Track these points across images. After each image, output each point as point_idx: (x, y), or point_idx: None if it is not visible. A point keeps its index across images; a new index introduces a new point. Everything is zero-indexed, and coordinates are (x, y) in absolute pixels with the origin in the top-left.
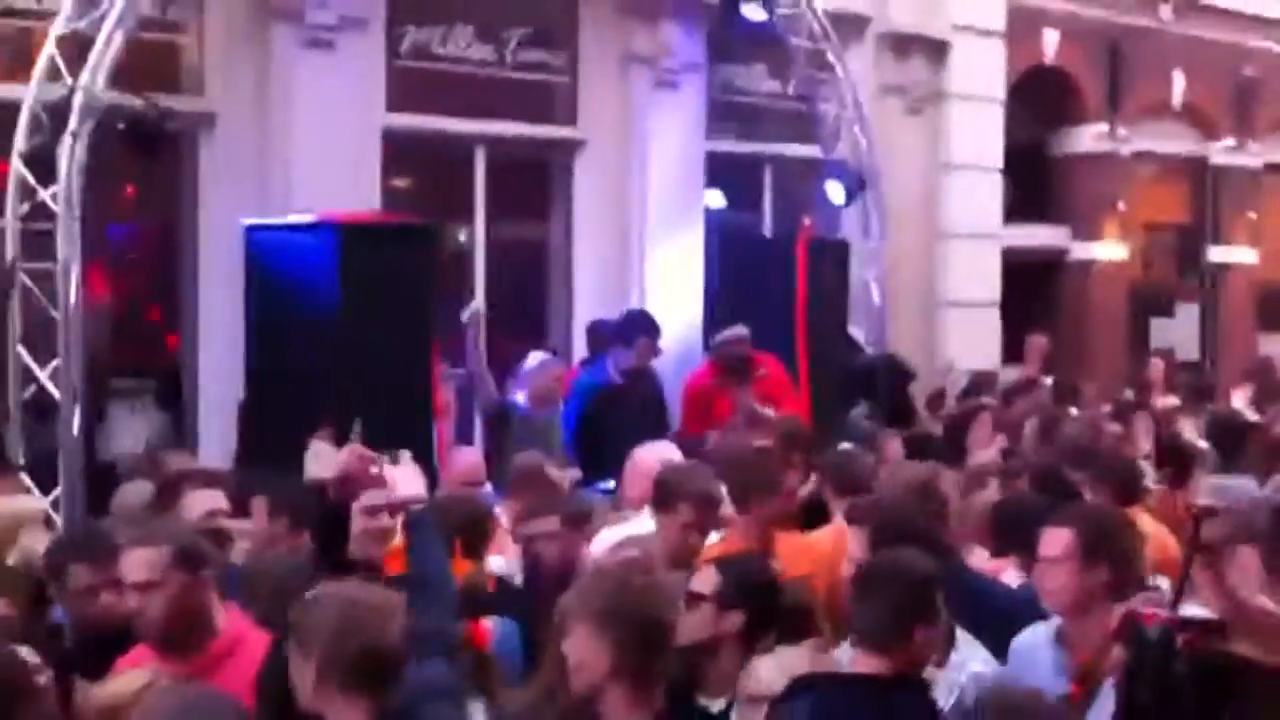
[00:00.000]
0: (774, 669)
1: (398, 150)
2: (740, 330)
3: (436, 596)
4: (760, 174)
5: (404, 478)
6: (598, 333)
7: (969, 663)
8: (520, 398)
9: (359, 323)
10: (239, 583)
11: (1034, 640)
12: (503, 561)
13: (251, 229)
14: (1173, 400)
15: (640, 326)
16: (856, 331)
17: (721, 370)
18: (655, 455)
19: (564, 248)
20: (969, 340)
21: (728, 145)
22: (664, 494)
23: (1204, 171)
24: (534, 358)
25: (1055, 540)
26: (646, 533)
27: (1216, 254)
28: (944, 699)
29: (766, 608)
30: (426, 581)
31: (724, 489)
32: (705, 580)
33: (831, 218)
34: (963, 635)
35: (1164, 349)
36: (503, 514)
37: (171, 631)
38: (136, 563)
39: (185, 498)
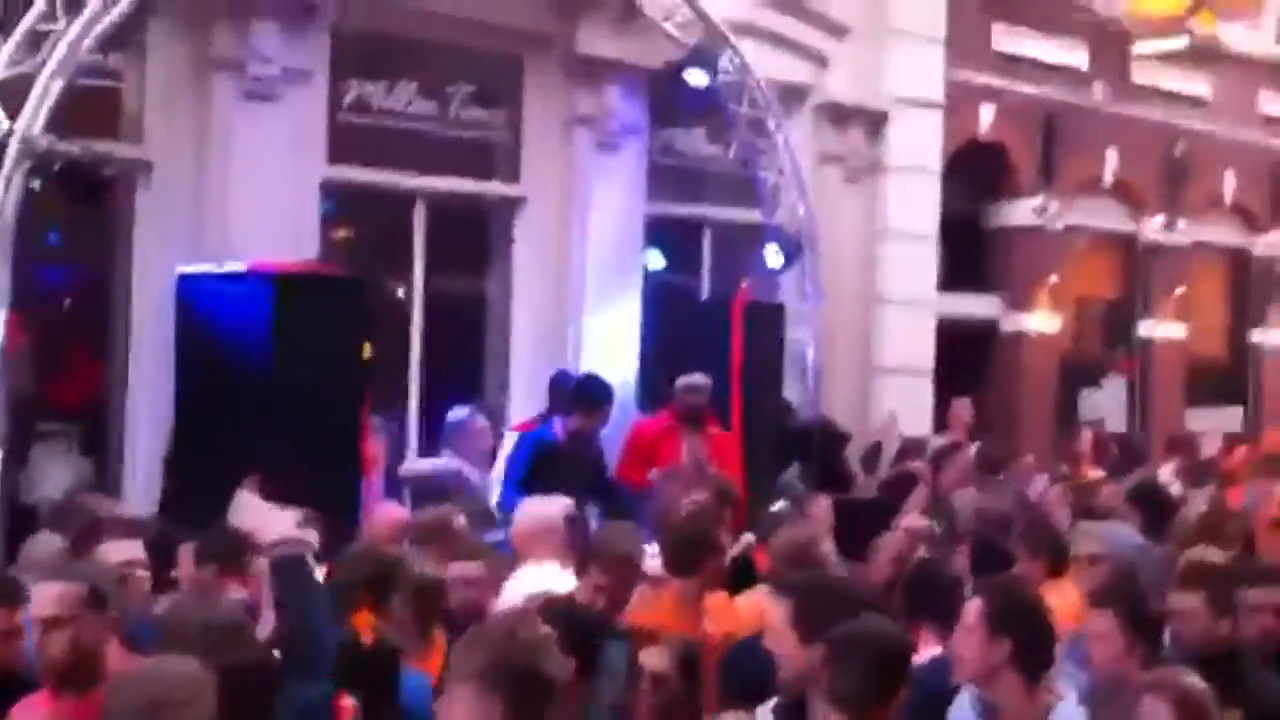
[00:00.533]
0: None
1: (337, 202)
2: (701, 379)
3: (300, 653)
4: (699, 237)
5: (272, 520)
6: (559, 386)
7: None
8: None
9: (290, 373)
10: (163, 631)
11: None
12: None
13: (185, 277)
14: (1098, 473)
15: (596, 396)
16: (791, 395)
17: (679, 416)
18: (544, 508)
19: (502, 304)
20: (902, 406)
21: (667, 208)
22: (582, 556)
23: (1135, 247)
24: (457, 413)
25: (969, 610)
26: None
27: (1146, 328)
28: None
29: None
30: (293, 635)
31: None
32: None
33: (769, 282)
34: None
35: (1093, 420)
36: None
37: (71, 669)
38: (49, 597)
39: (102, 546)
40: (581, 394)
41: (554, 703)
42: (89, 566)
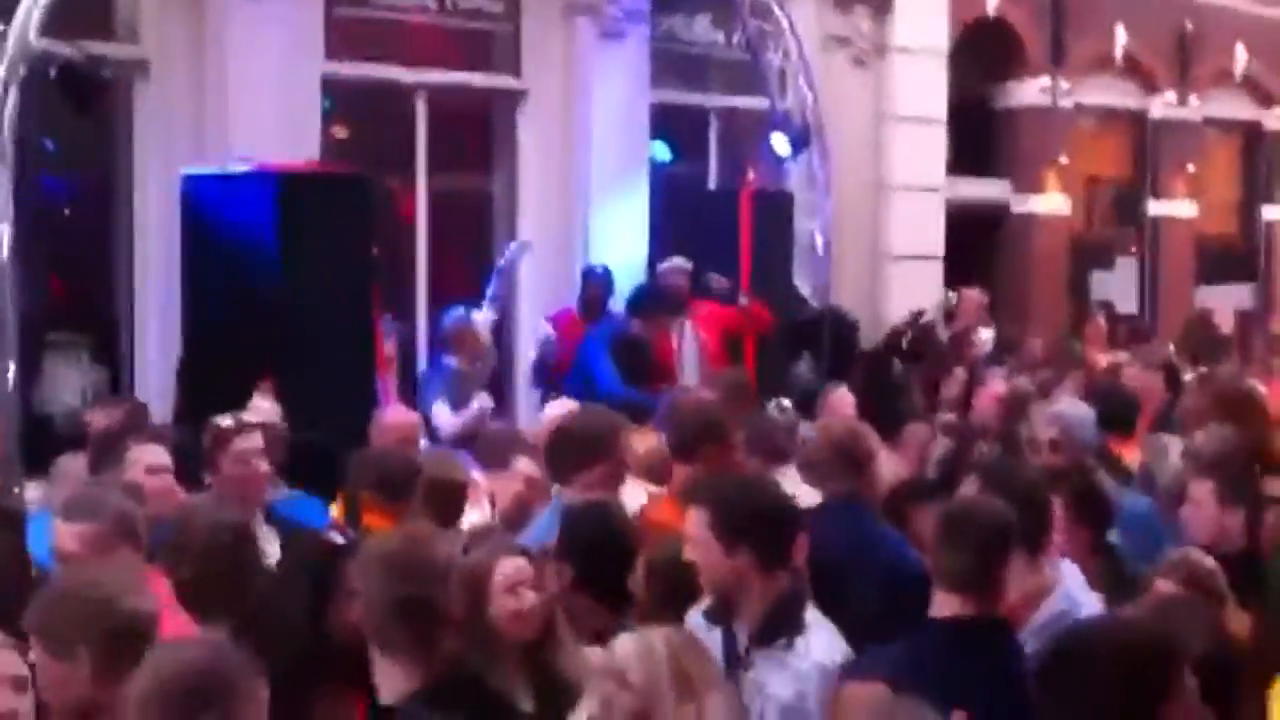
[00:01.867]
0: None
1: (337, 99)
2: (680, 261)
3: None
4: (705, 125)
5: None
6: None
7: (813, 651)
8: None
9: (298, 274)
10: (165, 545)
11: None
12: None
13: (189, 179)
14: (1112, 356)
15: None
16: (800, 284)
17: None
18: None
19: (507, 198)
20: (912, 293)
21: (672, 96)
22: None
23: (1144, 125)
24: (454, 315)
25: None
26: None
27: (1156, 207)
28: (785, 689)
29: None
30: None
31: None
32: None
33: (776, 170)
34: (814, 616)
35: (1103, 301)
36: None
37: None
38: (72, 536)
39: (130, 451)
40: (657, 299)
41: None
42: (111, 495)
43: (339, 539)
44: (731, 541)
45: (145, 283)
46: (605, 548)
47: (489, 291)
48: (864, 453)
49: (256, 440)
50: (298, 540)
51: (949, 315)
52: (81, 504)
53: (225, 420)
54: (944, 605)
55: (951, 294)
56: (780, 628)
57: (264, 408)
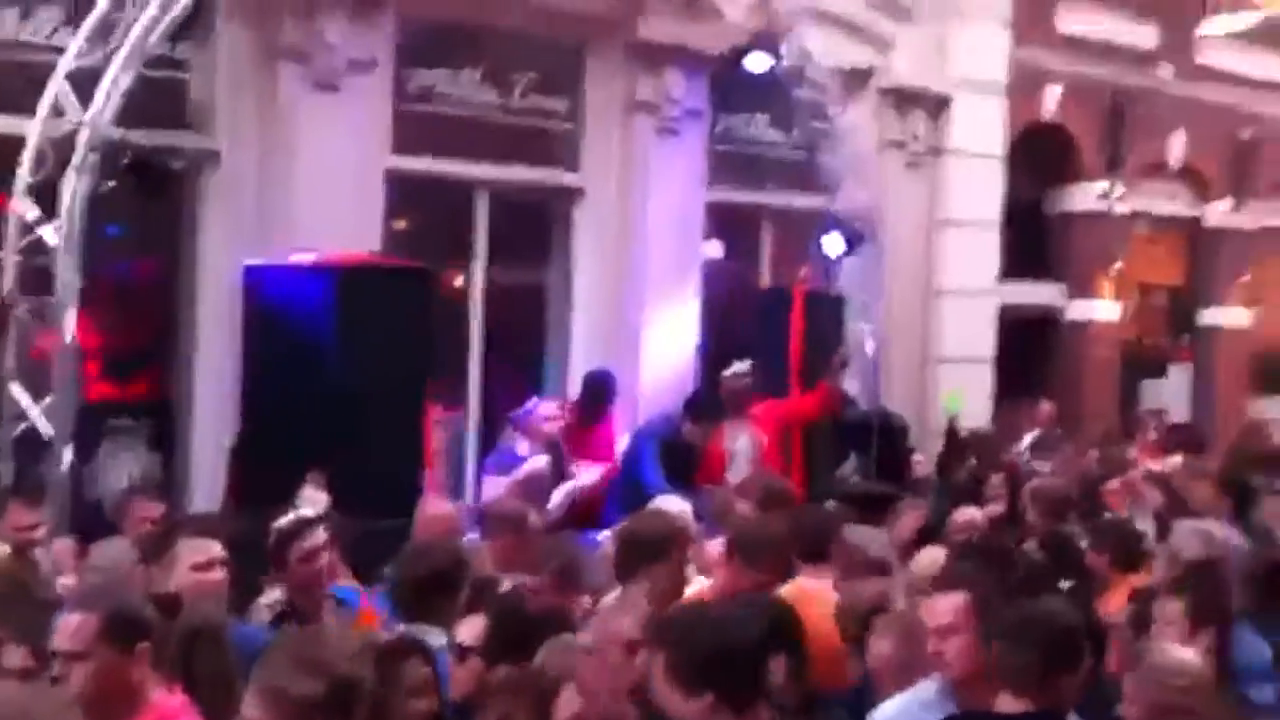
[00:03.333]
0: None
1: (400, 192)
2: (744, 366)
3: None
4: (759, 224)
5: None
6: (603, 384)
7: None
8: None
9: (354, 365)
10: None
11: None
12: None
13: (251, 269)
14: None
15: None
16: (851, 385)
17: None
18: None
19: (562, 294)
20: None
21: (728, 194)
22: None
23: (1199, 232)
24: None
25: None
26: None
27: (1209, 315)
28: None
29: None
30: None
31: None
32: None
33: (829, 270)
34: None
35: (1156, 410)
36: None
37: (92, 706)
38: (65, 630)
39: (177, 547)
40: (704, 409)
41: None
42: (116, 591)
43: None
44: (690, 687)
45: (204, 369)
46: None
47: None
48: None
49: (320, 537)
50: None
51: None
52: (81, 596)
53: (285, 521)
54: (1007, 703)
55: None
56: None
57: (314, 497)
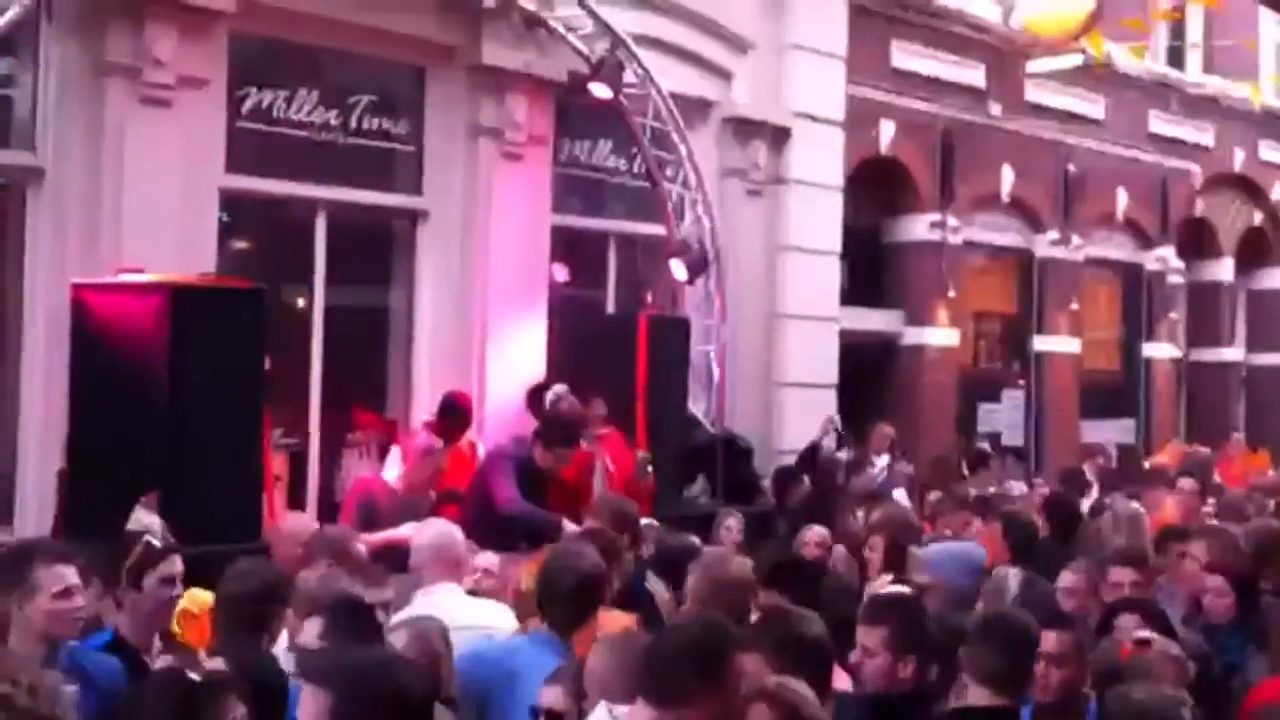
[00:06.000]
0: None
1: (235, 212)
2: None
3: None
4: (605, 250)
5: None
6: (461, 405)
7: None
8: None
9: (187, 388)
10: None
11: None
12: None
13: (79, 288)
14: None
15: (565, 438)
16: (695, 409)
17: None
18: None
19: (405, 317)
20: (806, 420)
21: (573, 220)
22: None
23: (1030, 262)
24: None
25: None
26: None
27: (1041, 342)
28: None
29: None
30: None
31: None
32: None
33: (673, 295)
34: None
35: (989, 433)
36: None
37: None
38: None
39: (35, 574)
40: (556, 431)
41: None
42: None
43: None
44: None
45: (30, 391)
46: None
47: None
48: None
49: (178, 565)
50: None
51: (840, 442)
52: None
53: (155, 540)
54: (979, 696)
55: (835, 417)
56: None
57: (147, 521)
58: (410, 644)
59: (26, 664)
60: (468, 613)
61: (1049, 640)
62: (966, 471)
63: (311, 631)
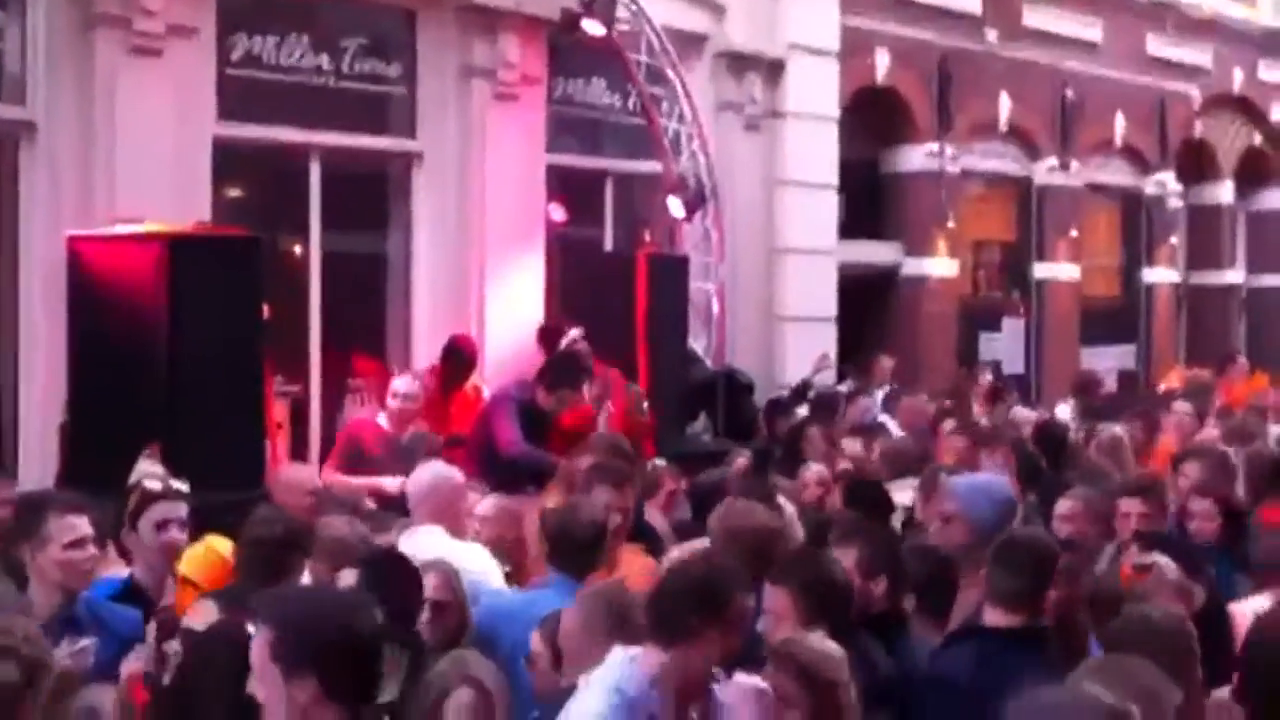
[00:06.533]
0: None
1: (230, 160)
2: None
3: None
4: (601, 188)
5: None
6: (465, 349)
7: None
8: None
9: (186, 338)
10: None
11: None
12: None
13: (75, 241)
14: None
15: (570, 379)
16: (695, 345)
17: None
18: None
19: (403, 261)
20: (806, 354)
21: (569, 159)
22: None
23: (1029, 190)
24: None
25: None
26: None
27: (1040, 270)
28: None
29: None
30: None
31: None
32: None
33: (671, 232)
34: None
35: (991, 361)
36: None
37: None
38: None
39: (48, 525)
40: (561, 375)
41: None
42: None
43: None
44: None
45: (29, 345)
46: None
47: None
48: None
49: (180, 510)
50: None
51: (841, 375)
52: None
53: (154, 484)
54: (998, 618)
55: (828, 354)
56: None
57: (151, 471)
58: (440, 586)
59: (13, 618)
60: (447, 555)
61: None
62: (981, 403)
63: (348, 582)
